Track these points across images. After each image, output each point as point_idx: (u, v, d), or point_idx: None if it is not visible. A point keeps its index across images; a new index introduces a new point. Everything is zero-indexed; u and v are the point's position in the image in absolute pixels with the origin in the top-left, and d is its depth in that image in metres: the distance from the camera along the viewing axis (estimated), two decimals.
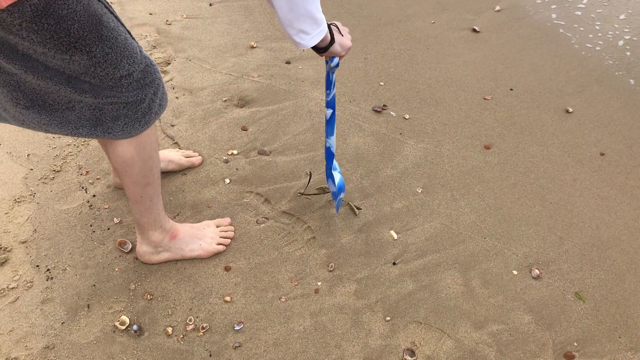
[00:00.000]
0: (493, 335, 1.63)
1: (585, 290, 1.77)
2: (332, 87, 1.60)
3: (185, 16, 3.00)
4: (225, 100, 2.42)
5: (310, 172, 2.01)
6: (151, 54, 2.66)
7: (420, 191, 2.06)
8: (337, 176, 1.80)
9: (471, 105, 2.51)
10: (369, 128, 2.33)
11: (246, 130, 2.27)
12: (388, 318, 1.66)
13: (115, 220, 1.87)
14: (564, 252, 1.88)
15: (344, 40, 1.47)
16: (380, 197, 2.02)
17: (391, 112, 2.43)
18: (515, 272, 1.80)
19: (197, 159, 2.10)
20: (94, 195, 1.95)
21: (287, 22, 1.26)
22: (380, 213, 1.97)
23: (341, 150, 2.19)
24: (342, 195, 1.85)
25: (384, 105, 2.45)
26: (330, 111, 1.65)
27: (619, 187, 2.14)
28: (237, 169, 2.09)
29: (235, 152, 2.17)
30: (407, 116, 2.41)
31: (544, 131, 2.39)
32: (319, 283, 1.74)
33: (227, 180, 2.04)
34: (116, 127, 1.35)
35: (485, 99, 2.55)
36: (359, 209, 1.96)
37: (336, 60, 1.51)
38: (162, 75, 2.54)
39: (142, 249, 1.72)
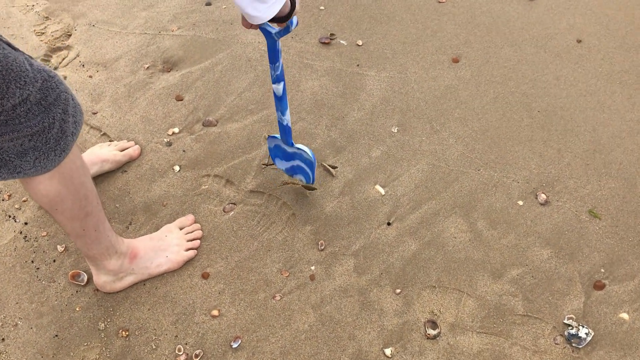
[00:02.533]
0: (515, 282, 1.47)
1: (599, 206, 1.62)
2: (280, 55, 1.29)
3: None
4: (147, 68, 2.06)
5: (269, 135, 1.72)
6: (45, 27, 2.22)
7: (396, 130, 1.82)
8: (307, 150, 1.50)
9: (426, 13, 2.22)
10: (321, 65, 2.02)
11: (182, 99, 1.94)
12: (398, 290, 1.47)
13: (59, 248, 1.58)
14: (566, 165, 1.71)
15: None
16: (355, 148, 1.77)
17: (341, 41, 2.12)
18: (520, 203, 1.63)
19: (134, 150, 1.78)
20: (25, 223, 1.64)
21: None
22: (359, 167, 1.73)
23: (297, 100, 1.89)
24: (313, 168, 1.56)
25: (332, 34, 2.13)
26: (281, 85, 1.34)
27: (605, 76, 1.95)
28: (184, 151, 1.79)
29: (176, 130, 1.85)
30: (360, 42, 2.11)
31: (512, 27, 2.14)
32: (313, 267, 1.52)
33: (177, 168, 1.75)
34: (26, 165, 1.05)
35: (439, 2, 2.26)
36: (334, 167, 1.72)
37: (295, 20, 1.20)
38: (66, 51, 2.13)
39: (101, 279, 1.45)
